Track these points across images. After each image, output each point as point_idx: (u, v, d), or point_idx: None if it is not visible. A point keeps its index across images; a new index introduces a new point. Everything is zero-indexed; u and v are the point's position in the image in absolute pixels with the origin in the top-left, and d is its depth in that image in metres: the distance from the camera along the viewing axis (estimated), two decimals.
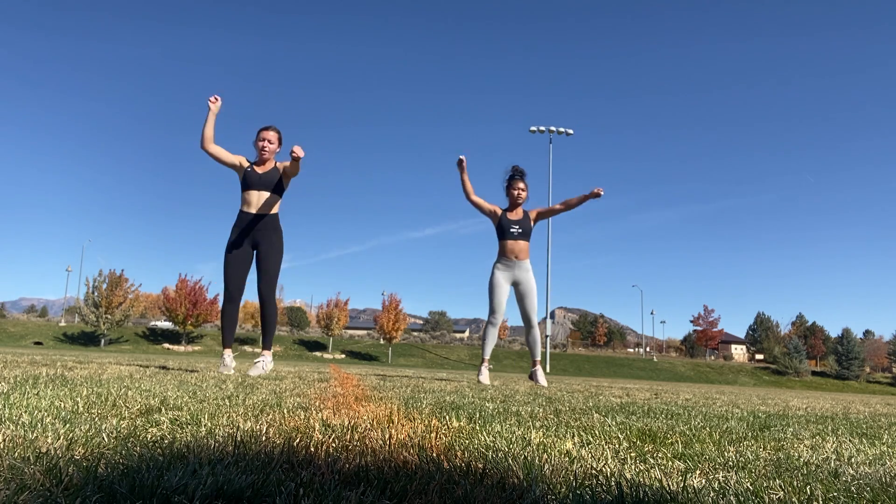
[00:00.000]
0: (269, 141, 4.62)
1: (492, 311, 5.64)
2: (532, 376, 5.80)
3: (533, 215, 5.70)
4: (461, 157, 5.62)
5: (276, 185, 4.60)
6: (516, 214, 5.66)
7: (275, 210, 4.62)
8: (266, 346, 4.71)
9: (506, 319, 36.86)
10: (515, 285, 5.66)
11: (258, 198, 4.56)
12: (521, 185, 5.66)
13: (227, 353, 4.61)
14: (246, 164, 4.63)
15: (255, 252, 4.62)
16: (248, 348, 44.30)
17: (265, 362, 4.67)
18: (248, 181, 4.58)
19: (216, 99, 4.53)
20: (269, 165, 4.65)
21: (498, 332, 5.77)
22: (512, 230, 5.59)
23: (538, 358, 5.76)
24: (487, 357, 5.67)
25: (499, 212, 5.66)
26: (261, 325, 4.75)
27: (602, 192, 5.58)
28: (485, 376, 5.55)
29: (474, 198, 5.69)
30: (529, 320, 5.67)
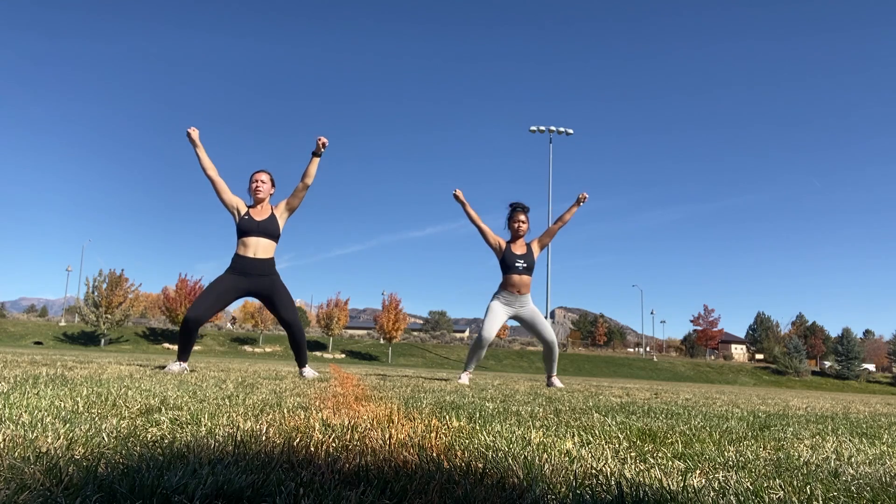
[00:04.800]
0: (261, 181, 4.73)
1: (483, 334, 5.63)
2: (549, 385, 5.73)
3: (535, 247, 5.73)
4: (456, 191, 5.73)
5: (274, 232, 4.69)
6: (520, 248, 5.67)
7: (271, 255, 4.70)
8: (303, 364, 4.82)
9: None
10: (519, 320, 5.68)
11: (256, 244, 4.62)
12: (522, 217, 5.70)
13: (181, 364, 4.55)
14: (243, 210, 4.69)
15: (262, 299, 4.69)
16: (248, 348, 44.31)
17: (308, 372, 4.79)
18: (246, 228, 4.63)
19: (194, 130, 4.70)
20: (266, 212, 4.72)
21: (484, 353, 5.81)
22: (517, 264, 5.60)
23: (554, 373, 5.80)
24: (470, 370, 5.74)
25: (503, 244, 5.69)
26: (292, 348, 4.86)
27: (587, 197, 5.77)
28: (464, 379, 5.54)
29: (482, 224, 5.75)
30: (549, 342, 5.69)
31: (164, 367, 4.68)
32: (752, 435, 1.88)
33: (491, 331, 5.59)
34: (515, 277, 5.60)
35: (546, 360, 5.84)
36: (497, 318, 5.59)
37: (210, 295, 4.53)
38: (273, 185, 4.80)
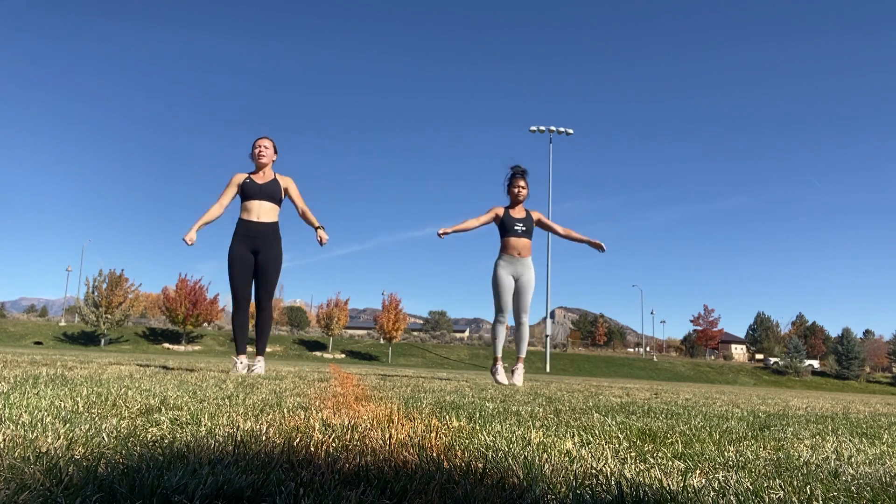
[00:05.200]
0: (264, 147, 4.72)
1: (499, 310, 5.53)
2: (512, 372, 5.61)
3: (535, 216, 5.68)
4: (440, 232, 5.49)
5: (276, 196, 4.69)
6: (519, 212, 5.62)
7: (275, 219, 4.68)
8: (260, 352, 4.82)
9: None
10: (515, 280, 5.59)
11: (259, 207, 4.62)
12: (522, 182, 5.64)
13: (242, 359, 4.67)
14: (243, 178, 4.69)
15: (254, 259, 4.66)
16: (248, 348, 44.27)
17: (259, 366, 4.77)
18: (248, 191, 4.64)
19: (189, 239, 4.63)
20: (269, 176, 4.71)
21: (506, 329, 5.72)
22: (516, 227, 5.55)
23: (523, 355, 5.63)
24: (500, 355, 5.58)
25: (500, 211, 5.62)
26: (255, 329, 4.77)
27: (605, 249, 5.74)
28: (501, 375, 5.43)
29: (479, 221, 5.63)
30: (520, 316, 5.59)
31: (233, 370, 4.70)
32: (752, 435, 1.88)
33: (507, 302, 5.51)
34: (514, 240, 5.54)
35: (517, 337, 5.66)
36: (507, 287, 5.52)
37: (237, 269, 4.56)
38: (276, 152, 4.80)
